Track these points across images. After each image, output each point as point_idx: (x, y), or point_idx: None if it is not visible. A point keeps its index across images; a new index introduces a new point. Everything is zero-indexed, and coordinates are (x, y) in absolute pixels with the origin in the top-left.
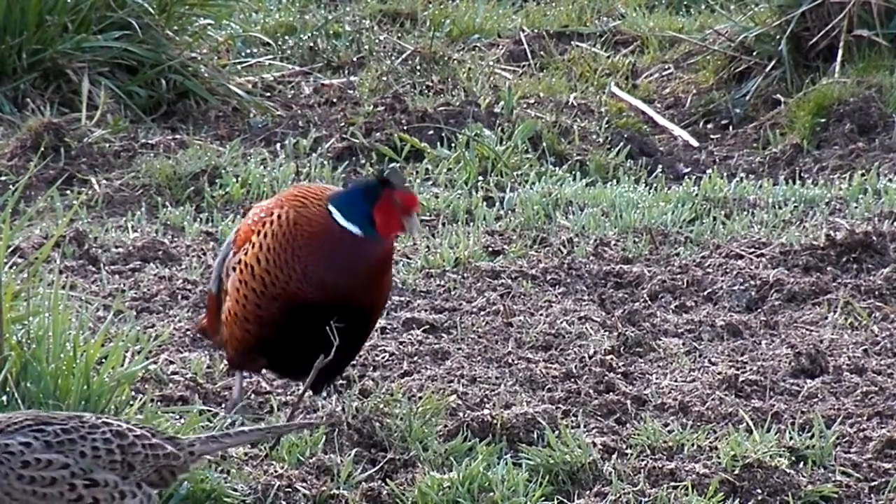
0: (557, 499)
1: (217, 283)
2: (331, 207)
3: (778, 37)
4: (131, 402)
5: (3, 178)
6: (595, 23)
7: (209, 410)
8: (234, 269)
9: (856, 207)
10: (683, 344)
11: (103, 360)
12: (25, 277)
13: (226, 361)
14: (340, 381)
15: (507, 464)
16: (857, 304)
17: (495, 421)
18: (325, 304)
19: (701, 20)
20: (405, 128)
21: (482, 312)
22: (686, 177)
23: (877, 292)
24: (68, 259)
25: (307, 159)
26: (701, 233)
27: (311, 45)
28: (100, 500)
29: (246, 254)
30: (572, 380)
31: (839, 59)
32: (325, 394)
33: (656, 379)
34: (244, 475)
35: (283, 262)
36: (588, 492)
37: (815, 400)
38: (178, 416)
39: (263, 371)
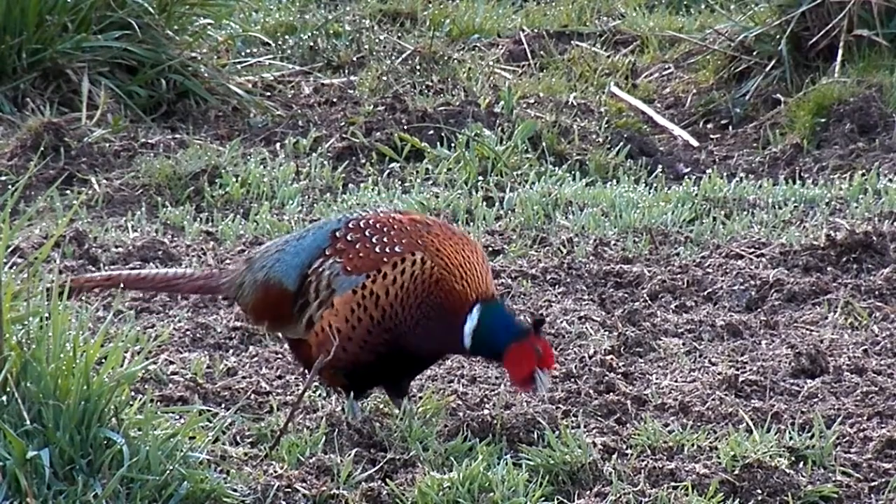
0: (557, 499)
1: (298, 283)
2: (474, 312)
3: (778, 36)
4: (131, 403)
5: (3, 178)
6: (595, 23)
7: (209, 410)
8: (353, 291)
9: (856, 207)
10: (683, 344)
11: (103, 360)
12: (25, 277)
13: (297, 361)
14: None
15: (507, 464)
16: (857, 304)
17: (495, 421)
18: (414, 355)
19: (701, 20)
20: (405, 128)
21: None
22: (686, 177)
23: (877, 292)
24: (68, 259)
25: (307, 159)
26: (701, 233)
27: (311, 44)
28: None
29: (374, 281)
30: (572, 380)
31: (839, 58)
32: (324, 393)
33: (656, 379)
34: (244, 475)
35: (409, 306)
36: (588, 492)
37: (815, 400)
38: (177, 417)
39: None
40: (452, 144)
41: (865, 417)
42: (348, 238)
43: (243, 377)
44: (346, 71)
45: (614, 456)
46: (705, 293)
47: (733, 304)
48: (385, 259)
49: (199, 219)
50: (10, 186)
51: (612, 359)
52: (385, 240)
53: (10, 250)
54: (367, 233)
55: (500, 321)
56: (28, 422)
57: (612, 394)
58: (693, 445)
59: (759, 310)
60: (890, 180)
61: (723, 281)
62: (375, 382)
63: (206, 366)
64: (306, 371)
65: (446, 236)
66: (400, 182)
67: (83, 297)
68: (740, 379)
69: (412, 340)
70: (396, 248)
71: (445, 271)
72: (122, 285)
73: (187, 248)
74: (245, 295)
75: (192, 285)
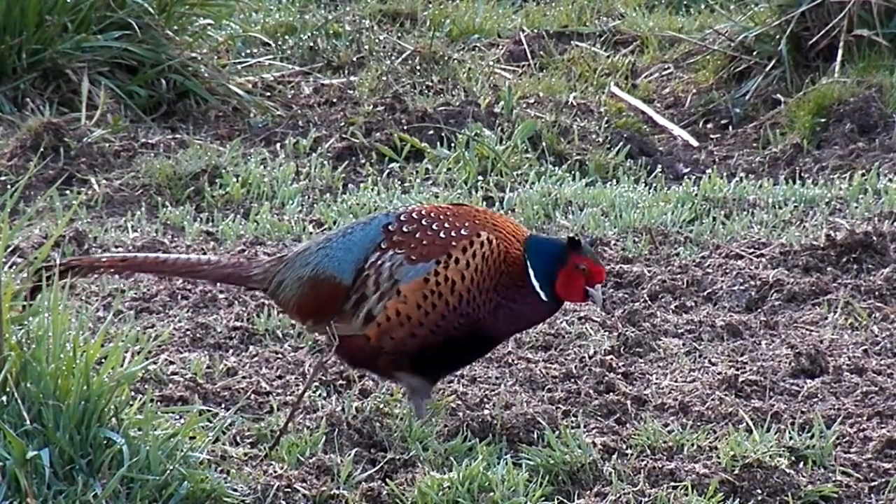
0: (557, 499)
1: (354, 276)
2: (527, 261)
3: (778, 36)
4: (131, 403)
5: (3, 178)
6: (595, 23)
7: (209, 410)
8: (425, 279)
9: (856, 207)
10: (683, 344)
11: (103, 360)
12: (25, 277)
13: (343, 356)
14: (340, 382)
15: (507, 464)
16: (857, 305)
17: (495, 421)
18: (492, 337)
19: (701, 20)
20: (405, 128)
21: None
22: (686, 177)
23: (877, 292)
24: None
25: (307, 159)
26: (701, 233)
27: (311, 45)
28: None
29: (446, 267)
30: (572, 380)
31: (839, 58)
32: (325, 393)
33: (656, 379)
34: (244, 475)
35: (485, 288)
36: (588, 492)
37: (815, 400)
38: (177, 416)
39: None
40: (452, 144)
41: (865, 417)
42: (405, 230)
43: (243, 377)
44: (346, 71)
45: (614, 456)
46: (705, 293)
47: (733, 304)
48: (454, 243)
49: (199, 219)
50: (10, 186)
51: (612, 359)
52: (447, 225)
53: (10, 250)
54: (423, 222)
55: (542, 250)
56: (28, 422)
57: (612, 394)
58: (693, 445)
59: (759, 310)
60: (890, 180)
61: (723, 281)
62: (443, 366)
63: (206, 366)
64: (350, 367)
65: (490, 213)
66: (400, 182)
67: (83, 297)
68: (740, 379)
69: (492, 325)
70: (463, 231)
71: (507, 243)
72: (138, 268)
73: (187, 248)
74: (288, 291)
75: (219, 273)
